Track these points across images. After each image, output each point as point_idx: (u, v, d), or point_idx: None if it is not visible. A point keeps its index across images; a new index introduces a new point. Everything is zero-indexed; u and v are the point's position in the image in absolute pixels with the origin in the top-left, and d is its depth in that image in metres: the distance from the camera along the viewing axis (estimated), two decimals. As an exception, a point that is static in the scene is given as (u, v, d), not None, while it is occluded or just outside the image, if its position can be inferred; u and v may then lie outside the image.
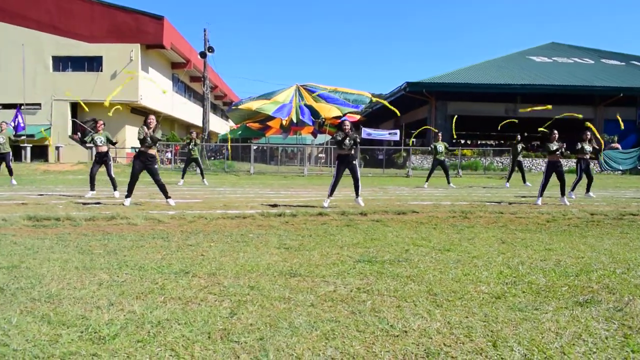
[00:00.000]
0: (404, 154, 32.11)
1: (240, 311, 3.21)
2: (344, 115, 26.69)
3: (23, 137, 21.88)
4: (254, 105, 26.86)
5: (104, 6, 34.15)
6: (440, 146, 16.83)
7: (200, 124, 36.96)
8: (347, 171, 9.79)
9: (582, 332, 2.94)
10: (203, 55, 34.47)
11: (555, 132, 11.12)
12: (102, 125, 11.54)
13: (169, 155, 32.76)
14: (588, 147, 12.57)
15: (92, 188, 11.25)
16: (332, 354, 2.58)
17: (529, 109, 11.19)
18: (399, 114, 12.03)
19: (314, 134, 31.58)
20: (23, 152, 30.75)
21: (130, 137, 33.08)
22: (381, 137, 31.04)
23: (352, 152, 9.67)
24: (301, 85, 28.80)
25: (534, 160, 32.62)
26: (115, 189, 11.36)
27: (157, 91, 36.87)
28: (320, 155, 36.98)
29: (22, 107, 30.39)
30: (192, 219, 7.54)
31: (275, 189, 15.48)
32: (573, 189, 12.63)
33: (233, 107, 29.43)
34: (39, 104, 33.73)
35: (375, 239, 6.15)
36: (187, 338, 2.76)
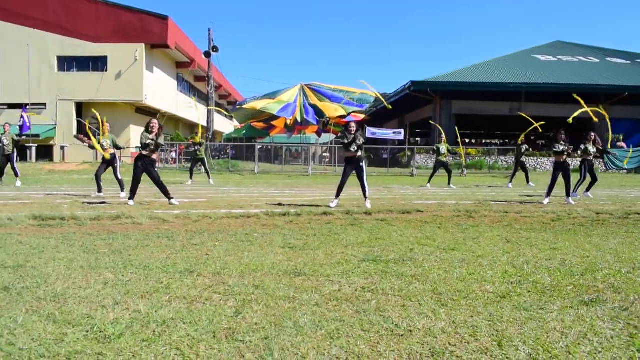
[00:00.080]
0: (409, 153, 32.09)
1: (245, 310, 3.21)
2: (349, 114, 26.64)
3: (23, 137, 21.88)
4: (259, 104, 26.85)
5: (109, 6, 34.19)
6: (443, 147, 16.81)
7: (205, 124, 37.00)
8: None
9: (587, 332, 2.93)
10: (207, 54, 34.48)
11: (563, 132, 11.10)
12: (108, 128, 11.60)
13: (173, 155, 32.82)
14: (592, 148, 12.54)
15: (99, 189, 11.27)
16: (337, 353, 2.58)
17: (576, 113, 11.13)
18: (389, 107, 12.04)
19: (318, 134, 31.57)
20: (28, 151, 30.85)
21: (134, 136, 33.16)
22: (385, 136, 31.00)
23: (359, 154, 9.66)
24: (305, 85, 28.77)
25: (539, 160, 32.53)
26: (122, 190, 11.41)
27: (161, 91, 37.02)
28: (324, 154, 37.01)
29: (28, 107, 30.49)
30: (197, 219, 7.55)
31: (280, 188, 15.49)
32: (576, 190, 12.60)
33: (237, 107, 29.43)
34: (44, 104, 33.81)
35: (379, 238, 6.14)
36: (192, 337, 2.76)
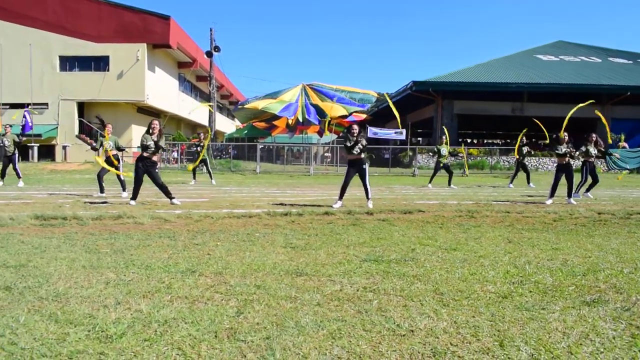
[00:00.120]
0: (410, 153, 32.07)
1: (247, 310, 3.22)
2: (350, 114, 26.63)
3: (24, 138, 21.87)
4: (260, 104, 26.83)
5: (111, 6, 34.20)
6: (444, 149, 16.81)
7: (207, 124, 37.02)
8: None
9: (589, 332, 2.93)
10: (209, 54, 34.50)
11: (566, 134, 11.10)
12: (110, 129, 11.61)
13: (175, 154, 32.83)
14: (593, 150, 12.54)
15: (102, 190, 11.31)
16: (338, 353, 2.58)
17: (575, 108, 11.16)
18: (398, 118, 11.97)
19: (320, 133, 31.54)
20: (30, 151, 30.90)
21: (136, 136, 33.17)
22: (387, 136, 30.97)
23: (362, 156, 9.64)
24: (307, 85, 28.76)
25: (540, 160, 32.50)
26: (124, 190, 11.43)
27: (163, 91, 37.01)
28: (326, 154, 37.00)
29: (30, 107, 30.52)
30: (199, 218, 7.56)
31: (282, 188, 15.49)
32: (577, 190, 12.58)
33: (239, 107, 29.43)
34: (46, 104, 33.84)
35: (381, 238, 6.14)
36: (193, 337, 2.76)
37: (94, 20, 33.92)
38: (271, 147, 33.94)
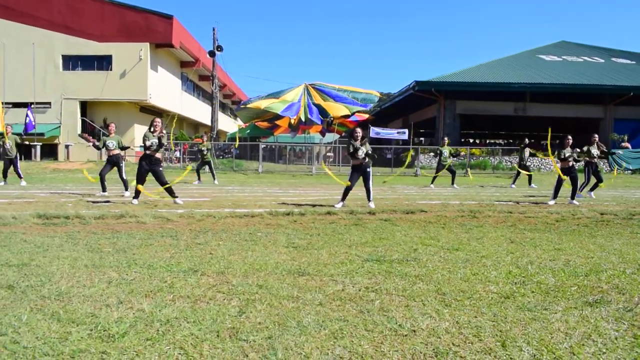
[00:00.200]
0: (413, 153, 32.05)
1: (249, 310, 3.22)
2: (353, 114, 26.59)
3: (25, 139, 21.87)
4: (263, 104, 26.78)
5: (114, 5, 34.23)
6: (446, 151, 16.82)
7: (209, 123, 37.04)
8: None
9: (591, 333, 2.93)
10: (212, 54, 34.53)
11: (570, 137, 11.11)
12: (114, 128, 11.63)
13: (177, 154, 32.84)
14: (595, 151, 12.53)
15: (104, 189, 11.32)
16: (340, 353, 2.58)
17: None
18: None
19: (322, 133, 31.51)
20: (33, 150, 30.93)
21: (139, 136, 33.17)
22: (389, 136, 30.97)
23: (366, 160, 9.62)
24: (309, 84, 28.73)
25: (543, 160, 32.45)
26: (126, 189, 11.43)
27: (166, 90, 37.03)
28: (328, 154, 36.95)
29: (32, 106, 30.59)
30: (201, 218, 7.56)
31: (284, 187, 15.49)
32: (580, 191, 12.58)
33: (241, 106, 29.41)
34: (49, 103, 33.90)
35: (383, 238, 6.14)
36: (195, 336, 2.77)
37: (97, 20, 33.96)
38: (273, 146, 33.89)
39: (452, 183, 16.78)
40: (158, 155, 9.73)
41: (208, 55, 35.66)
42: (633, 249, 5.60)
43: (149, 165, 9.58)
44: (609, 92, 33.96)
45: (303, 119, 26.82)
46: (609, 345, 2.75)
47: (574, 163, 11.06)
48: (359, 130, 9.82)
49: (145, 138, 9.53)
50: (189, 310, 3.18)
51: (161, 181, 9.63)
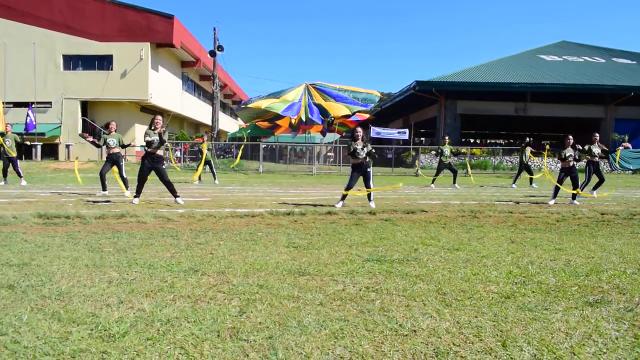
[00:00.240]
0: (413, 153, 32.03)
1: (250, 310, 3.22)
2: (353, 114, 26.60)
3: (25, 137, 21.79)
4: (263, 104, 26.80)
5: (115, 5, 34.25)
6: (447, 149, 16.83)
7: (210, 123, 37.04)
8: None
9: (592, 333, 2.92)
10: (213, 54, 34.54)
11: (570, 137, 11.11)
12: (114, 127, 11.62)
13: (177, 153, 32.84)
14: (596, 149, 12.52)
15: (104, 188, 11.32)
16: (341, 353, 2.58)
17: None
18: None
19: (323, 133, 31.52)
20: (34, 150, 30.94)
21: (139, 135, 33.17)
22: (390, 136, 30.98)
23: (367, 159, 9.62)
24: (310, 84, 28.74)
25: (543, 160, 32.41)
26: (126, 188, 11.41)
27: (166, 90, 37.03)
28: (329, 154, 36.95)
29: (33, 106, 30.61)
30: (201, 218, 7.56)
31: (284, 187, 15.49)
32: (582, 190, 12.57)
33: (242, 106, 29.42)
34: (50, 103, 33.93)
35: (384, 238, 6.14)
36: (196, 336, 2.77)
37: (98, 20, 33.98)
38: (274, 146, 33.90)
39: (454, 182, 16.82)
40: (160, 152, 9.72)
41: (209, 55, 35.67)
42: (634, 249, 5.60)
43: (151, 164, 9.57)
44: (609, 92, 33.95)
45: (304, 119, 26.83)
46: (609, 345, 2.75)
47: (575, 163, 11.07)
48: (359, 129, 9.82)
49: (146, 135, 9.52)
50: (190, 310, 3.18)
51: (164, 180, 9.62)
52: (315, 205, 9.40)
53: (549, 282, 4.05)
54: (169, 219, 7.40)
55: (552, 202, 10.70)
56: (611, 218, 8.37)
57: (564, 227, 7.35)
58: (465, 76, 35.09)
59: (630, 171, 30.37)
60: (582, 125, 34.37)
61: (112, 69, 34.36)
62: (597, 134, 12.98)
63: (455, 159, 27.28)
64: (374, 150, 9.62)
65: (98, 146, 11.70)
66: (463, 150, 24.37)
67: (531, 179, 17.69)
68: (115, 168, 11.29)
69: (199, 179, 17.34)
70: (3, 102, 24.27)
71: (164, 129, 9.58)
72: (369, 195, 9.63)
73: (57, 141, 33.92)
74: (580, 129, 32.68)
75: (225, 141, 41.67)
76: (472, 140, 43.71)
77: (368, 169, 9.64)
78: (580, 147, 12.28)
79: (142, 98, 34.51)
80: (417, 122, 40.34)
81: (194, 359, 2.50)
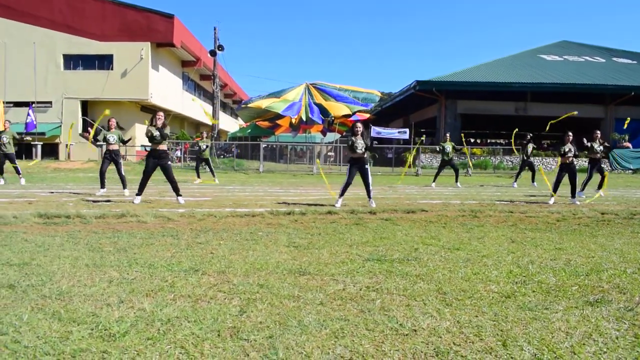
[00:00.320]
0: (414, 153, 32.04)
1: (250, 309, 3.22)
2: (354, 113, 26.59)
3: (24, 136, 21.77)
4: (264, 103, 26.79)
5: (115, 5, 34.26)
6: (448, 146, 16.83)
7: (210, 122, 37.03)
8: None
9: (592, 332, 2.92)
10: (213, 53, 34.54)
11: (570, 134, 11.10)
12: (114, 123, 11.63)
13: (178, 153, 32.86)
14: (598, 147, 12.52)
15: (103, 186, 11.34)
16: (341, 353, 2.58)
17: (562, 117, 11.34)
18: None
19: (323, 133, 31.53)
20: (34, 149, 30.95)
21: (140, 135, 33.22)
22: (390, 135, 30.99)
23: (365, 155, 9.63)
24: (311, 84, 28.73)
25: (544, 159, 32.44)
26: (125, 188, 11.42)
27: (167, 89, 37.03)
28: (329, 153, 36.98)
29: (34, 105, 30.62)
30: (202, 217, 7.56)
31: (285, 187, 15.50)
32: (583, 189, 12.58)
33: (242, 106, 29.42)
34: (50, 102, 33.95)
35: (384, 237, 6.14)
36: (196, 336, 2.76)
37: (98, 19, 34.00)
38: (274, 146, 33.91)
39: (456, 181, 16.85)
40: (163, 147, 9.68)
41: (209, 55, 35.68)
42: (634, 249, 5.60)
43: (156, 160, 9.55)
44: (610, 92, 33.97)
45: (304, 119, 26.82)
46: (609, 345, 2.75)
47: (574, 159, 11.05)
48: (359, 125, 9.82)
49: (148, 131, 9.48)
50: (190, 310, 3.18)
51: (169, 177, 9.59)
52: (315, 205, 9.40)
53: (549, 282, 4.05)
54: (170, 218, 7.40)
55: (551, 202, 10.69)
56: (611, 218, 8.37)
57: (565, 227, 7.35)
58: (466, 76, 35.10)
59: (630, 171, 30.37)
60: (583, 125, 34.34)
61: (112, 69, 34.37)
62: (599, 131, 12.97)
63: (456, 157, 27.22)
64: (375, 142, 9.63)
65: (99, 146, 11.70)
66: (464, 151, 24.34)
67: (533, 177, 17.69)
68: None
69: (198, 175, 17.33)
70: (3, 102, 24.27)
71: (166, 123, 9.58)
72: (368, 194, 9.63)
73: (57, 141, 33.93)
74: (580, 128, 32.59)
75: (225, 141, 41.68)
76: (472, 140, 43.68)
77: (365, 166, 9.62)
78: (585, 142, 12.25)
79: (143, 98, 34.52)
80: (418, 121, 40.33)
81: (195, 358, 2.50)
